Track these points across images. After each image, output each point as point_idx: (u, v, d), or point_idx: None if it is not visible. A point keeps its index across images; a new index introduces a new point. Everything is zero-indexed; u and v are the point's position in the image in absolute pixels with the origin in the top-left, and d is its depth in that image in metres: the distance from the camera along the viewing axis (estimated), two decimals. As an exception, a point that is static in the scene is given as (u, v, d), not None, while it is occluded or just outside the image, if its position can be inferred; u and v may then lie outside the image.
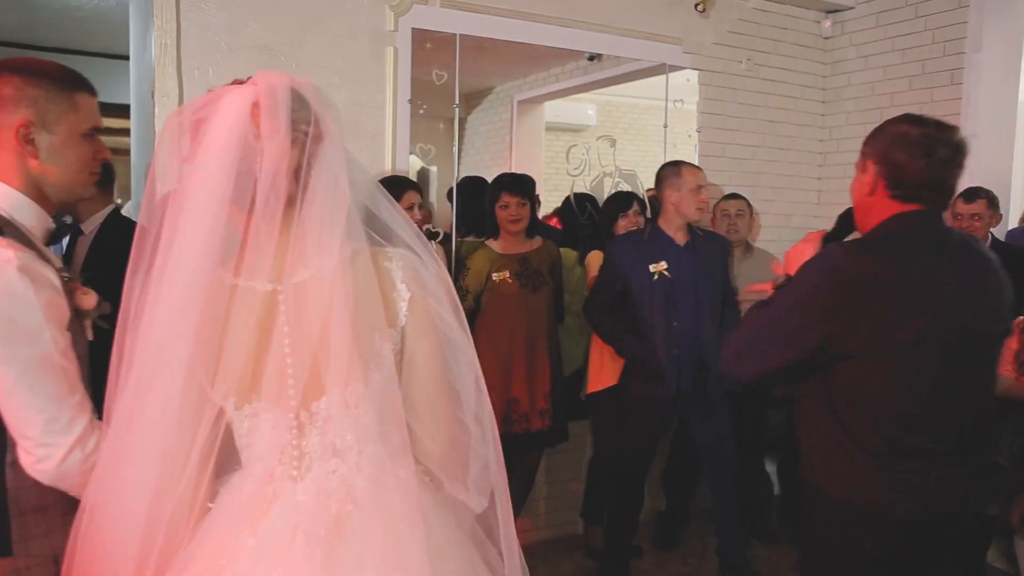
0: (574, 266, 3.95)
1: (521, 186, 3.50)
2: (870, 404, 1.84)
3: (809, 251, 1.99)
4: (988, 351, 1.99)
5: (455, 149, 3.86)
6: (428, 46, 3.67)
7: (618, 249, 3.57)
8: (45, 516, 1.45)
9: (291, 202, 1.25)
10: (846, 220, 2.35)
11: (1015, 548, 3.34)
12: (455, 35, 3.70)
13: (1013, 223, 4.58)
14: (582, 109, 6.48)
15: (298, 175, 1.25)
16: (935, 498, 1.84)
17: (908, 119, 1.91)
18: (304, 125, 1.25)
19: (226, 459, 1.31)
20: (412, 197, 3.14)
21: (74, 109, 1.51)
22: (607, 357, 3.71)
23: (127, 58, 4.31)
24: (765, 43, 4.56)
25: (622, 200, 3.96)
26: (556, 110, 6.22)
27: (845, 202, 4.80)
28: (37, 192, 1.50)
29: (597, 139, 4.65)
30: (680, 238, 3.51)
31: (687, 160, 3.72)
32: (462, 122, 4.40)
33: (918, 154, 1.84)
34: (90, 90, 1.56)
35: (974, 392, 1.91)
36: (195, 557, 1.22)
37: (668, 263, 3.45)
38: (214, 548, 1.23)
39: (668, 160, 3.75)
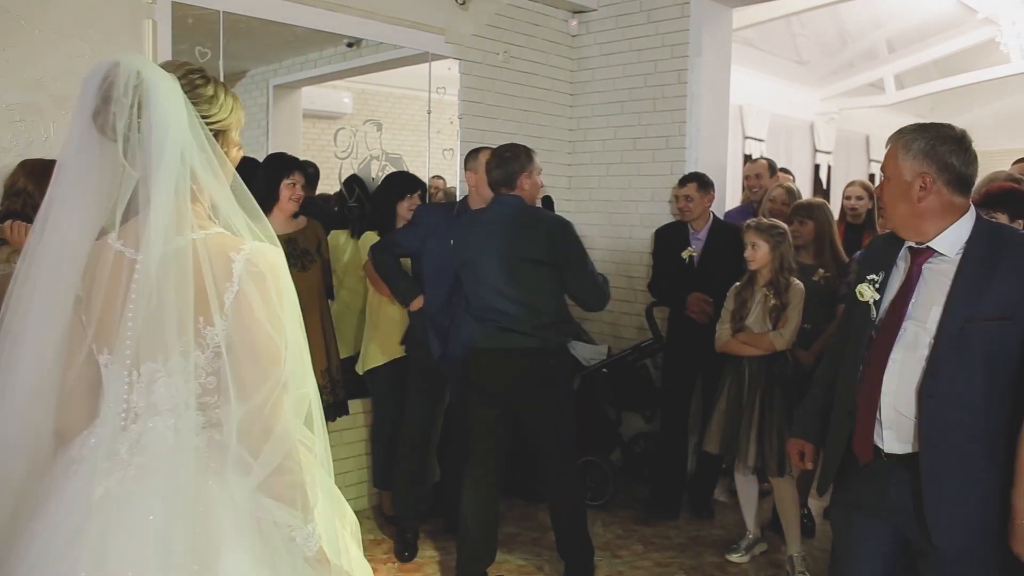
0: (345, 245, 4.01)
1: (304, 165, 3.60)
2: None
3: None
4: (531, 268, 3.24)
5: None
6: (190, 21, 3.55)
7: (427, 215, 3.72)
8: None
9: (138, 174, 1.38)
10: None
11: (736, 484, 3.90)
12: (219, 12, 3.61)
13: (731, 205, 5.27)
14: (338, 97, 6.48)
15: (125, 149, 1.37)
16: None
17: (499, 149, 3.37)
18: (118, 101, 1.36)
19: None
20: None
21: None
22: (383, 333, 3.84)
23: None
24: (519, 37, 4.87)
25: (408, 182, 4.02)
26: (312, 97, 6.17)
27: (593, 186, 5.29)
28: None
29: (364, 123, 4.73)
30: None
31: (450, 147, 3.93)
32: (222, 104, 4.28)
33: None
34: None
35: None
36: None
37: None
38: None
39: (431, 146, 3.94)
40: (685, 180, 4.36)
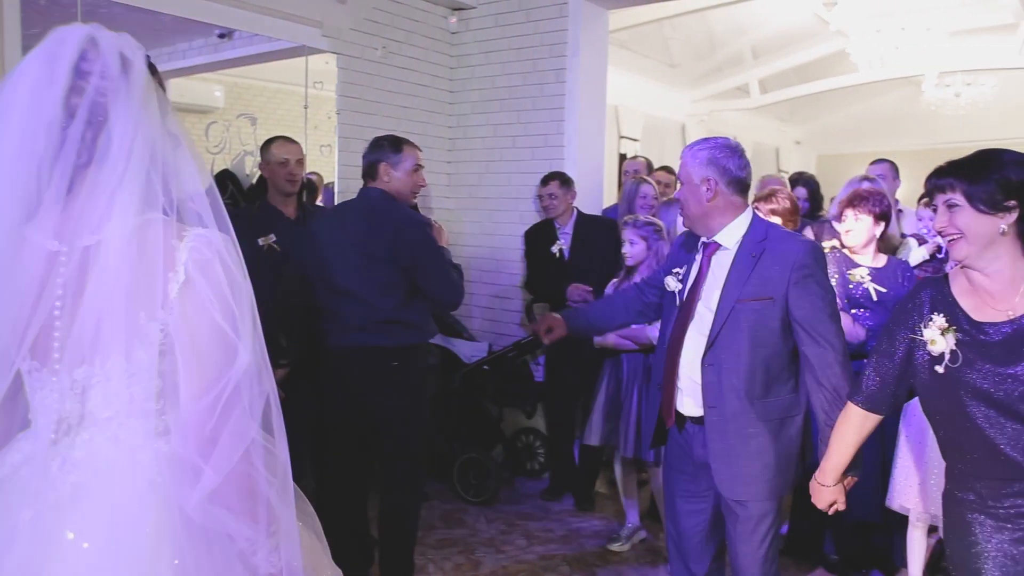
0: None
1: None
2: None
3: None
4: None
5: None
6: (42, 2, 3.33)
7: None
8: None
9: (85, 159, 1.23)
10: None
11: (616, 474, 4.01)
12: (76, -7, 3.40)
13: (609, 202, 5.39)
14: (209, 90, 6.24)
15: (86, 132, 1.22)
16: None
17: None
18: (94, 79, 1.22)
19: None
20: None
21: None
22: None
23: None
24: (398, 32, 4.82)
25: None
26: (181, 89, 5.91)
27: (473, 183, 5.30)
28: None
29: (237, 117, 4.57)
30: (290, 212, 3.62)
31: (328, 143, 3.85)
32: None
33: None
34: None
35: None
36: None
37: (277, 236, 3.50)
38: None
39: (308, 142, 3.85)
40: (547, 179, 4.48)
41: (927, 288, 1.97)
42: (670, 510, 2.66)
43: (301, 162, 3.63)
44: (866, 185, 3.76)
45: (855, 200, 3.34)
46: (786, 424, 2.41)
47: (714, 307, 2.38)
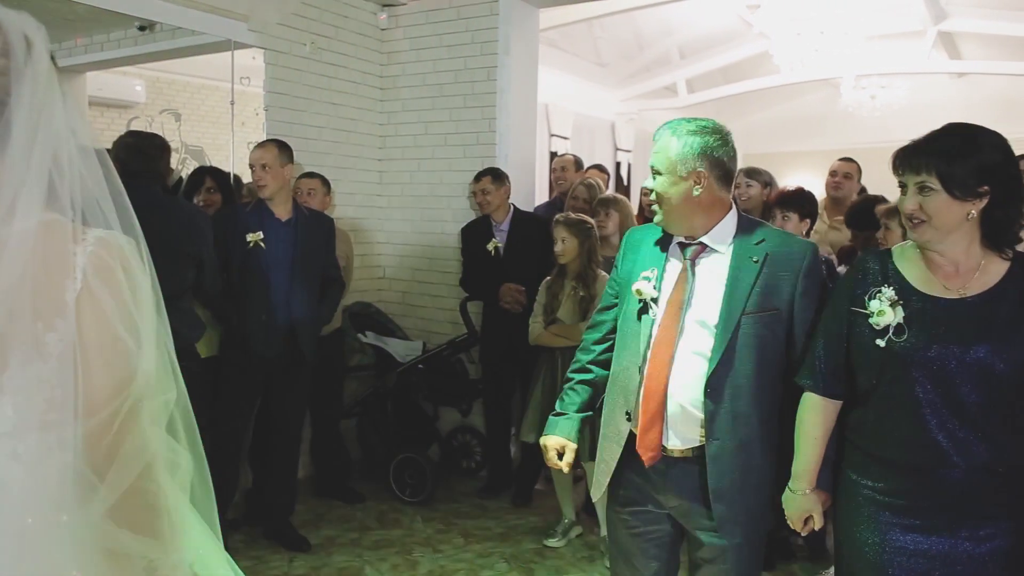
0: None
1: None
2: None
3: None
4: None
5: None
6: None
7: (218, 220, 3.67)
8: None
9: None
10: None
11: (551, 471, 4.02)
12: (-16, -18, 3.24)
13: (540, 199, 5.43)
14: (129, 84, 6.05)
15: None
16: None
17: None
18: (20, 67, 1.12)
19: None
20: None
21: None
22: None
23: None
24: (328, 28, 4.74)
25: (193, 178, 3.91)
26: (99, 83, 5.71)
27: (405, 182, 5.26)
28: None
29: (160, 113, 4.43)
30: (282, 213, 3.70)
31: (256, 139, 3.83)
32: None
33: None
34: None
35: None
36: None
37: (265, 234, 3.62)
38: None
39: (235, 138, 3.84)
40: (480, 176, 4.50)
41: (870, 260, 1.90)
42: (622, 551, 2.22)
43: (266, 167, 3.65)
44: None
45: (782, 200, 3.43)
46: (773, 447, 2.10)
47: (714, 322, 2.01)
